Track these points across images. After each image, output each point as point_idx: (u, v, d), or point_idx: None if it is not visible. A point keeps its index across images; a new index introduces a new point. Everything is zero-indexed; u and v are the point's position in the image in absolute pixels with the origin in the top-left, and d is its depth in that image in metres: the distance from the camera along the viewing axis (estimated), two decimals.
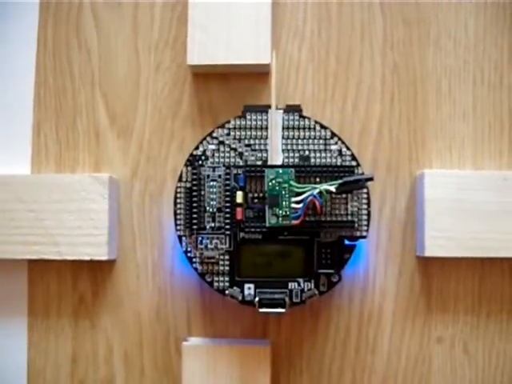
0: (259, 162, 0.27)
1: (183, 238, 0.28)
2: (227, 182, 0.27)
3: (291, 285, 0.27)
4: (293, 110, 0.28)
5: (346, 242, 0.27)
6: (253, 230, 0.27)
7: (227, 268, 0.27)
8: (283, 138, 0.28)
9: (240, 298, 0.27)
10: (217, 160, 0.28)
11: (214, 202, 0.27)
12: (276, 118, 0.28)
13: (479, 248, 0.28)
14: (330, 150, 0.28)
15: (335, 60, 0.31)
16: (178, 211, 0.28)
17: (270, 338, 0.30)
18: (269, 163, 0.27)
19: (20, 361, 0.30)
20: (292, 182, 0.26)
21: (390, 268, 0.30)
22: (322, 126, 0.28)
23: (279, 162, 0.27)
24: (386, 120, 0.31)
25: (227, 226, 0.27)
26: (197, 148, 0.28)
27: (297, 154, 0.27)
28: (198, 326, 0.30)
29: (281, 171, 0.26)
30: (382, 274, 0.30)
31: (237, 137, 0.28)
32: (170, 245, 0.30)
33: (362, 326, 0.30)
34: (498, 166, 0.30)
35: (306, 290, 0.27)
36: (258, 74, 0.31)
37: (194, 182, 0.27)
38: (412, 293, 0.30)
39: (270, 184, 0.26)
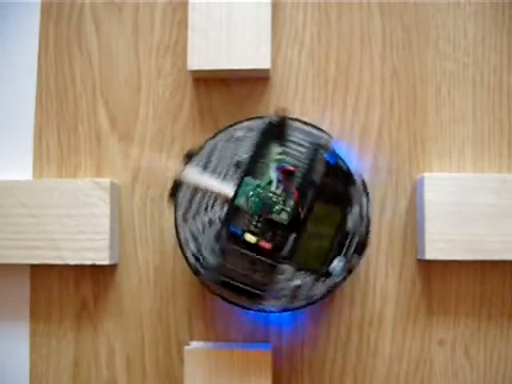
0: (226, 208, 0.26)
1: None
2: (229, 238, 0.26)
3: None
4: (190, 156, 0.27)
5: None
6: (285, 242, 0.26)
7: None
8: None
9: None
10: (208, 236, 0.26)
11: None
12: (192, 173, 0.26)
13: (480, 251, 0.28)
14: (237, 137, 0.26)
15: (335, 64, 0.31)
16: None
17: (272, 342, 0.30)
18: (231, 199, 0.26)
19: (22, 365, 0.30)
20: (257, 183, 0.26)
21: (390, 271, 0.30)
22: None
23: (233, 190, 0.26)
24: (385, 123, 0.31)
25: (256, 255, 0.26)
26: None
27: (232, 168, 0.26)
28: (200, 330, 0.30)
29: (243, 188, 0.26)
30: (383, 277, 0.30)
31: (190, 220, 0.26)
32: (171, 249, 0.30)
33: (363, 329, 0.30)
34: (498, 169, 0.30)
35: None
36: (258, 79, 0.31)
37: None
38: (413, 296, 0.30)
39: (251, 204, 0.26)
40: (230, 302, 0.26)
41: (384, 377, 0.30)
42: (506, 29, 0.31)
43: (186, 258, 0.26)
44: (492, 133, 0.31)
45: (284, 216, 0.26)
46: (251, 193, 0.26)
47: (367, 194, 0.26)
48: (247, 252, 0.26)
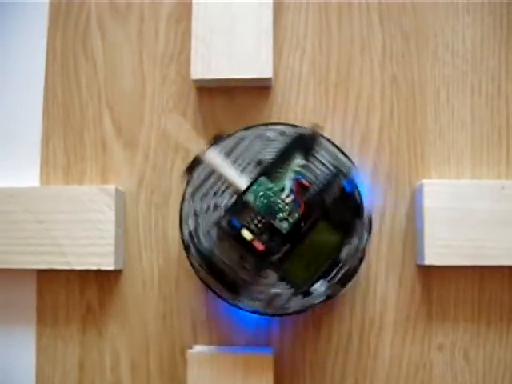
0: (234, 198, 0.26)
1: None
2: (228, 231, 0.26)
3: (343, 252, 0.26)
4: (219, 139, 0.27)
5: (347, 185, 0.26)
6: (278, 249, 0.26)
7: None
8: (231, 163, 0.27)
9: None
10: (205, 221, 0.27)
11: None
12: (214, 157, 0.27)
13: (478, 256, 0.29)
14: (270, 138, 0.27)
15: (336, 72, 0.32)
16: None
17: (274, 346, 0.30)
18: (241, 191, 0.26)
19: (28, 368, 0.31)
20: (269, 186, 0.26)
21: (390, 276, 0.30)
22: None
23: (246, 184, 0.27)
24: (385, 130, 0.31)
25: (251, 259, 0.27)
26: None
27: (253, 164, 0.27)
28: (203, 334, 0.30)
29: (255, 187, 0.26)
30: (383, 282, 0.30)
31: (200, 197, 0.27)
32: (175, 254, 0.31)
33: (364, 333, 0.30)
34: (496, 175, 0.31)
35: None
36: (261, 88, 0.31)
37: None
38: (412, 300, 0.30)
39: (258, 203, 0.26)
40: (210, 289, 0.27)
41: (384, 380, 0.30)
42: (504, 37, 0.31)
43: (182, 233, 0.27)
44: (490, 140, 0.31)
45: (285, 225, 0.26)
46: (261, 193, 0.26)
47: (369, 231, 0.27)
48: (239, 246, 0.26)
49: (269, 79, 0.30)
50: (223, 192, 0.27)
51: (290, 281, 0.26)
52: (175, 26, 0.32)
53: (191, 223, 0.27)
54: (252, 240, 0.26)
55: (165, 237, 0.31)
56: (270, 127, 0.27)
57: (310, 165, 0.27)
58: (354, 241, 0.27)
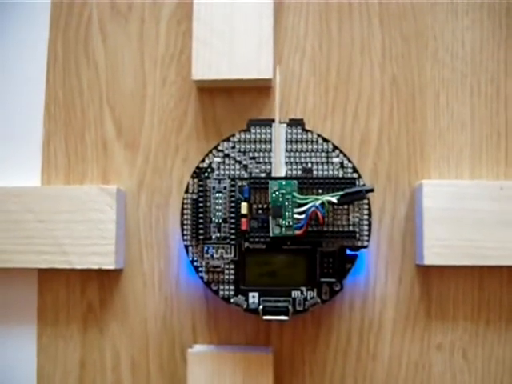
0: (263, 174, 0.28)
1: (190, 248, 0.28)
2: (232, 194, 0.28)
3: (294, 293, 0.28)
4: (296, 123, 0.29)
5: (348, 251, 0.28)
6: (257, 239, 0.28)
7: (232, 277, 0.28)
8: (286, 150, 0.29)
9: (244, 306, 0.28)
10: (222, 172, 0.29)
11: (220, 213, 0.28)
12: (280, 132, 0.29)
13: (477, 256, 0.29)
14: (332, 163, 0.29)
15: (336, 73, 0.32)
16: (185, 222, 0.28)
17: (273, 345, 0.30)
18: (272, 175, 0.28)
19: (29, 367, 0.31)
20: (295, 194, 0.27)
21: (390, 276, 0.31)
22: (324, 139, 0.29)
23: (283, 174, 0.28)
24: (385, 131, 0.31)
25: (232, 236, 0.28)
26: (203, 161, 0.29)
27: (300, 167, 0.28)
28: (203, 334, 0.31)
29: (284, 183, 0.27)
30: (383, 281, 0.31)
31: (241, 150, 0.29)
32: (175, 254, 0.31)
33: (363, 333, 0.30)
34: (495, 176, 0.31)
35: (308, 298, 0.28)
36: (261, 88, 0.31)
37: (200, 194, 0.28)
38: (412, 300, 0.30)
39: (274, 195, 0.27)
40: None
41: (383, 380, 0.30)
42: (503, 39, 0.32)
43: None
44: (490, 140, 0.31)
45: (276, 230, 0.27)
46: (283, 191, 0.27)
47: (324, 300, 0.28)
48: (231, 209, 0.27)
49: (269, 80, 0.30)
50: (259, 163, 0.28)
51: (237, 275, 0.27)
52: (176, 27, 0.32)
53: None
54: (244, 216, 0.27)
55: (165, 236, 0.31)
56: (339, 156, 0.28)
57: (338, 208, 0.27)
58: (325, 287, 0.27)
